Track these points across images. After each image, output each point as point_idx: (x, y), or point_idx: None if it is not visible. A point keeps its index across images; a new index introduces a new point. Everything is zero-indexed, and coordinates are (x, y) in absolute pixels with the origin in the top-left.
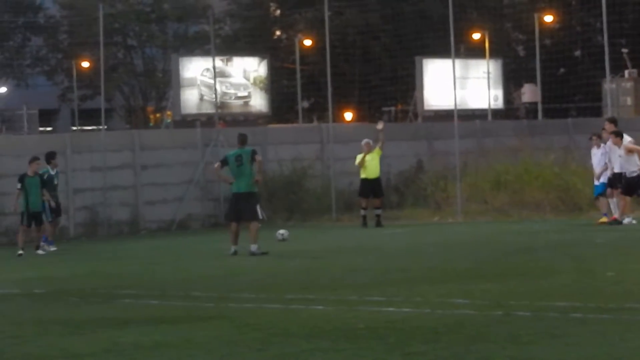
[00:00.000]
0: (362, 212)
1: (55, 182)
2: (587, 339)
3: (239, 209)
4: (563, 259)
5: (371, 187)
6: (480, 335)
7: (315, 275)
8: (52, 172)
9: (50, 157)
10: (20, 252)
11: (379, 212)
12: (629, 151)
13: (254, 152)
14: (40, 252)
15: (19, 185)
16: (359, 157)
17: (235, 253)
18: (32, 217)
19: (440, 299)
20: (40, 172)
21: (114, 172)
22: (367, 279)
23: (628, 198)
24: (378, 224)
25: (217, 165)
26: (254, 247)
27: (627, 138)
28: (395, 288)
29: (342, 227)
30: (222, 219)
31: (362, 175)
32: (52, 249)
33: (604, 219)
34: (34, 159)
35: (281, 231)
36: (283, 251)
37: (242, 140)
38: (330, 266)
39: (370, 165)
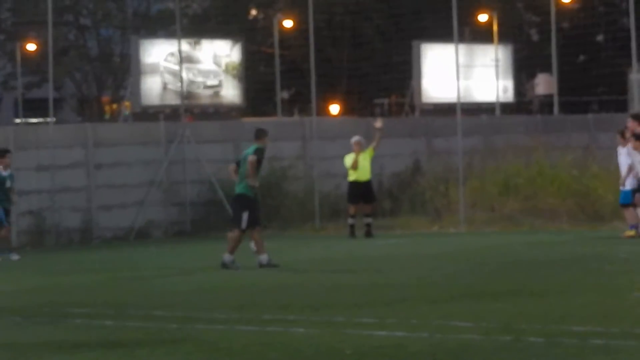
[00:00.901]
0: (350, 220)
1: (8, 185)
2: None
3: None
4: (582, 276)
5: (361, 191)
6: None
7: (296, 293)
8: (4, 173)
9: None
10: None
11: (369, 220)
12: None
13: (253, 152)
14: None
15: None
16: (348, 158)
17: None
18: None
19: (440, 321)
20: None
21: (63, 172)
22: (356, 297)
23: None
24: (368, 233)
25: (231, 167)
26: (227, 258)
27: None
28: (388, 308)
29: (327, 237)
30: (187, 227)
31: (351, 178)
32: None
33: (632, 232)
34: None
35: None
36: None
37: (257, 135)
38: (313, 282)
39: (361, 166)
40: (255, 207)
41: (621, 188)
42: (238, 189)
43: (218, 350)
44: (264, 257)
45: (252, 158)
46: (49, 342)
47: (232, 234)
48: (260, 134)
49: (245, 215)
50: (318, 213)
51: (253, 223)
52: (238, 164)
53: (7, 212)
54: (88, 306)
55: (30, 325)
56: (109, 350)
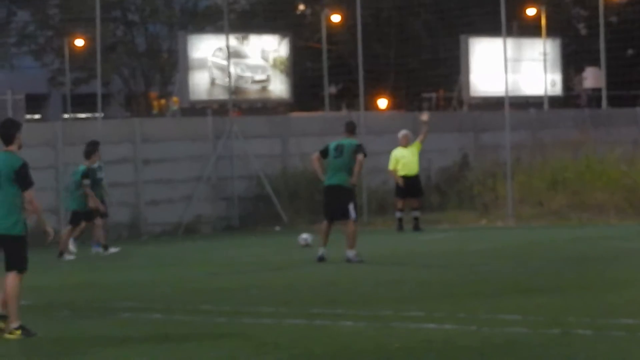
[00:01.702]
0: (398, 214)
1: (99, 176)
2: None
3: (330, 205)
4: (630, 270)
5: (409, 186)
6: (534, 357)
7: (344, 287)
8: (94, 165)
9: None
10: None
11: (417, 214)
12: None
13: (359, 148)
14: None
15: (88, 182)
16: (394, 156)
17: (322, 258)
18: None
19: (487, 314)
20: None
21: (111, 167)
22: (403, 291)
23: None
24: (416, 227)
25: (315, 155)
26: (350, 254)
27: None
28: (435, 302)
29: (374, 231)
30: (236, 222)
31: (399, 173)
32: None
33: None
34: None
35: (304, 235)
36: (306, 259)
37: (350, 128)
38: (361, 277)
39: (408, 160)
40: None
41: None
42: (334, 181)
43: (265, 344)
44: (352, 253)
45: (361, 158)
46: (96, 336)
47: (348, 228)
48: (354, 127)
49: (352, 206)
50: (366, 208)
51: (348, 215)
52: (323, 153)
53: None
54: (135, 300)
55: (78, 319)
56: (156, 344)
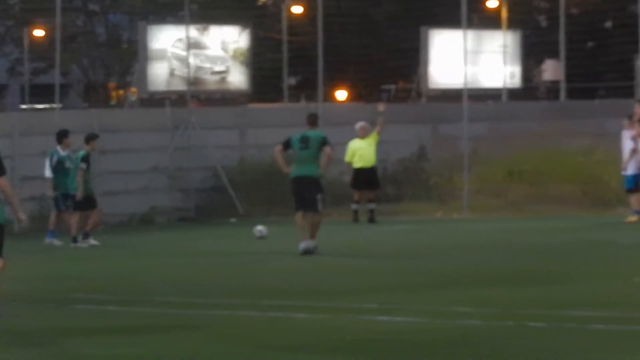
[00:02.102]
0: (354, 205)
1: (67, 165)
2: (610, 354)
3: (301, 196)
4: (585, 261)
5: (365, 178)
6: (487, 349)
7: (299, 279)
8: (62, 153)
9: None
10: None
11: (372, 206)
12: None
13: (325, 140)
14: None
15: (84, 165)
16: (353, 144)
17: (308, 251)
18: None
19: (442, 307)
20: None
21: None
22: (358, 283)
23: None
24: (372, 219)
25: (278, 148)
26: (311, 244)
27: None
28: (390, 294)
29: (330, 222)
30: (192, 213)
31: (356, 165)
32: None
33: (635, 218)
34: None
35: (259, 227)
36: (261, 250)
37: (312, 120)
38: (315, 268)
39: (365, 152)
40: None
41: (623, 173)
42: (303, 172)
43: (219, 336)
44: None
45: (330, 150)
46: (58, 328)
47: (301, 220)
48: (316, 119)
49: (319, 197)
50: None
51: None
52: (286, 145)
53: (66, 197)
54: (95, 292)
55: (39, 311)
56: (111, 336)
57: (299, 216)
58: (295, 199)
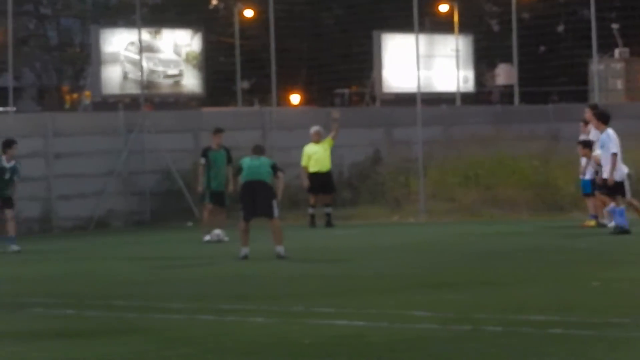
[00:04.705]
0: (310, 210)
1: (7, 177)
2: (568, 359)
3: (255, 202)
4: (541, 266)
5: (321, 182)
6: (444, 353)
7: (254, 283)
8: (7, 164)
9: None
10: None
11: (329, 210)
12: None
13: (276, 167)
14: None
15: (202, 160)
16: (307, 148)
17: (246, 257)
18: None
19: (398, 310)
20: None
21: (22, 161)
22: (315, 287)
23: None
24: (328, 223)
25: (232, 173)
26: (280, 249)
27: (609, 134)
28: (346, 298)
29: (286, 227)
30: (147, 216)
31: (311, 169)
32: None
33: (592, 222)
34: (219, 130)
35: (216, 231)
36: (218, 254)
37: (259, 150)
38: (272, 272)
39: (321, 156)
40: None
41: (581, 177)
42: (256, 176)
43: (176, 340)
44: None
45: (282, 175)
46: (7, 331)
47: (275, 224)
48: (263, 150)
49: (275, 202)
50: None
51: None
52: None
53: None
54: (47, 296)
55: None
56: (68, 340)
57: (244, 224)
58: (243, 205)
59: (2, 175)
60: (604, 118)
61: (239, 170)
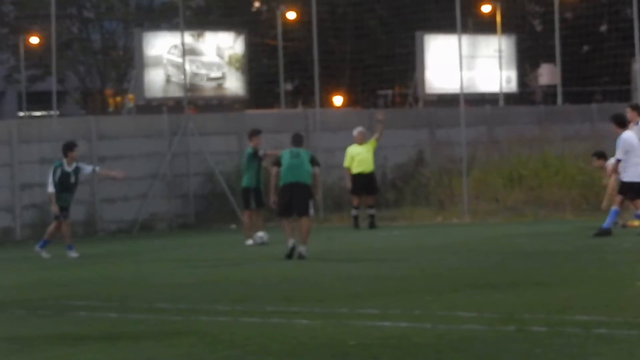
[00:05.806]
0: (354, 211)
1: (72, 181)
2: (612, 359)
3: (291, 203)
4: (585, 266)
5: (364, 183)
6: (489, 353)
7: (300, 285)
8: (68, 169)
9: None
10: (251, 241)
11: (372, 211)
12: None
13: (314, 160)
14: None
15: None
16: (349, 153)
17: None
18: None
19: (443, 311)
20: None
21: None
22: (360, 288)
23: None
24: (372, 225)
25: (274, 170)
26: (303, 249)
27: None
28: (391, 299)
29: (330, 228)
30: (191, 219)
31: (354, 170)
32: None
33: (637, 222)
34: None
35: (260, 233)
36: (262, 256)
37: (298, 140)
38: (316, 274)
39: (364, 157)
40: None
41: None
42: (296, 178)
43: (220, 342)
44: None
45: (319, 171)
46: (53, 334)
47: (305, 223)
48: (302, 139)
49: (311, 202)
50: (322, 204)
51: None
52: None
53: (65, 208)
54: (92, 299)
55: (34, 318)
56: (112, 343)
57: (284, 221)
58: (280, 205)
59: (67, 180)
60: (617, 121)
61: (277, 162)
